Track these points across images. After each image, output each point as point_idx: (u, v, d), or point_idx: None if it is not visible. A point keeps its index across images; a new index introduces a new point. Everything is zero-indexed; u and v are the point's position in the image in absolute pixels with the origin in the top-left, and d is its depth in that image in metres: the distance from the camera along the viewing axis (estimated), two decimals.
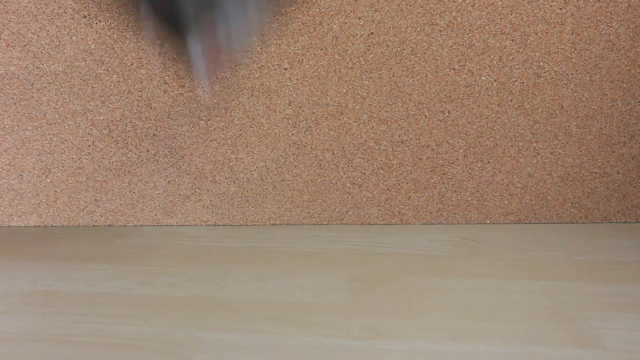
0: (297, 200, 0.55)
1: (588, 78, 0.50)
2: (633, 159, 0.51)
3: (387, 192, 0.53)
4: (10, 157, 0.57)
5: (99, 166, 0.56)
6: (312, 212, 0.55)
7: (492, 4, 0.49)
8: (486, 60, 0.50)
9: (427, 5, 0.49)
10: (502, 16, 0.49)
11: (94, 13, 0.53)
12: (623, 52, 0.49)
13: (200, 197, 0.56)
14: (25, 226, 0.58)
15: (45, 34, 0.53)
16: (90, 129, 0.55)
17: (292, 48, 0.51)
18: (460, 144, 0.52)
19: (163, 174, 0.56)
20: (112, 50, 0.53)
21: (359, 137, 0.53)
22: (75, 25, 0.53)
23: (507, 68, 0.50)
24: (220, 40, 0.44)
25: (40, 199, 0.57)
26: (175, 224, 0.57)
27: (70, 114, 0.55)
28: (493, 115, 0.51)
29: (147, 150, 0.55)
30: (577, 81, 0.50)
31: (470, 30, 0.49)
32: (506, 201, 0.52)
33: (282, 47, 0.51)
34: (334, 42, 0.51)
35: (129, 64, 0.53)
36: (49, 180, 0.57)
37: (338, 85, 0.52)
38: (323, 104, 0.52)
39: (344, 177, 0.54)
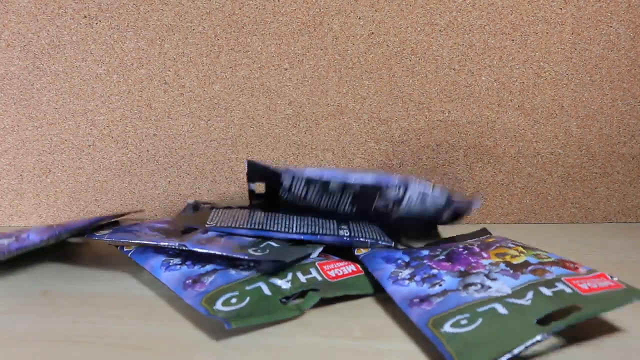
0: None
1: (588, 78, 0.50)
2: (633, 159, 0.51)
3: None
4: (10, 157, 0.57)
5: (99, 166, 0.56)
6: None
7: (492, 4, 0.49)
8: (486, 60, 0.50)
9: (427, 5, 0.49)
10: (502, 16, 0.49)
11: (94, 13, 0.53)
12: (623, 52, 0.49)
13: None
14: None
15: (45, 34, 0.53)
16: (90, 129, 0.55)
17: (292, 48, 0.51)
18: (460, 144, 0.52)
19: (163, 174, 0.56)
20: (112, 50, 0.53)
21: (359, 137, 0.53)
22: (75, 25, 0.53)
23: (507, 68, 0.50)
24: None
25: (40, 199, 0.57)
26: None
27: (70, 114, 0.55)
28: (493, 115, 0.51)
29: (147, 150, 0.55)
30: (577, 81, 0.50)
31: (470, 30, 0.49)
32: (506, 201, 0.52)
33: (282, 47, 0.51)
34: (334, 42, 0.51)
35: (129, 64, 0.53)
36: (49, 180, 0.57)
37: (338, 85, 0.52)
38: (323, 104, 0.52)
39: None
